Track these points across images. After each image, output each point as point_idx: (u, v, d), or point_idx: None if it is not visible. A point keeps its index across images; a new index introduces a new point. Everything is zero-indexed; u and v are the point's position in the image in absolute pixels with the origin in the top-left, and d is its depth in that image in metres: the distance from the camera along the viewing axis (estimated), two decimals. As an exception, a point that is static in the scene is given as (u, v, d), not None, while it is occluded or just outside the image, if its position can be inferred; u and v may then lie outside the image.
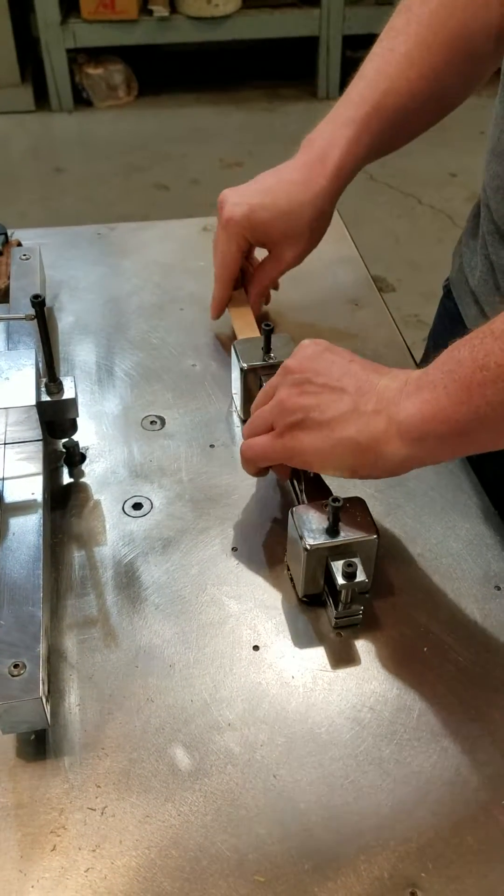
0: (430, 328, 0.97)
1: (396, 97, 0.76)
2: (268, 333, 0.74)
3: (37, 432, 0.68)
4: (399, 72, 0.76)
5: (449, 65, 0.76)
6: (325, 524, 0.60)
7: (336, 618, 0.61)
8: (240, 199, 0.78)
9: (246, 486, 0.72)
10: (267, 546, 0.68)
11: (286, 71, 3.69)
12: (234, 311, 0.85)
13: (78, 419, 0.71)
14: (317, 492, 0.64)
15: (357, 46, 3.37)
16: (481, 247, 0.78)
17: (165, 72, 3.67)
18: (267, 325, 0.74)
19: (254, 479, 0.73)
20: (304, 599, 0.63)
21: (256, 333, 0.80)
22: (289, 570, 0.65)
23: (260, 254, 0.86)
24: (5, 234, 0.91)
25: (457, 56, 0.76)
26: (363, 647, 0.61)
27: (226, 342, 0.87)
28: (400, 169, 2.90)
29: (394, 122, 0.78)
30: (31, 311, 0.64)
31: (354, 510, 0.61)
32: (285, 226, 0.78)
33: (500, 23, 0.75)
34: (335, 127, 0.77)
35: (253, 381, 0.75)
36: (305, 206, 0.77)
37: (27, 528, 0.62)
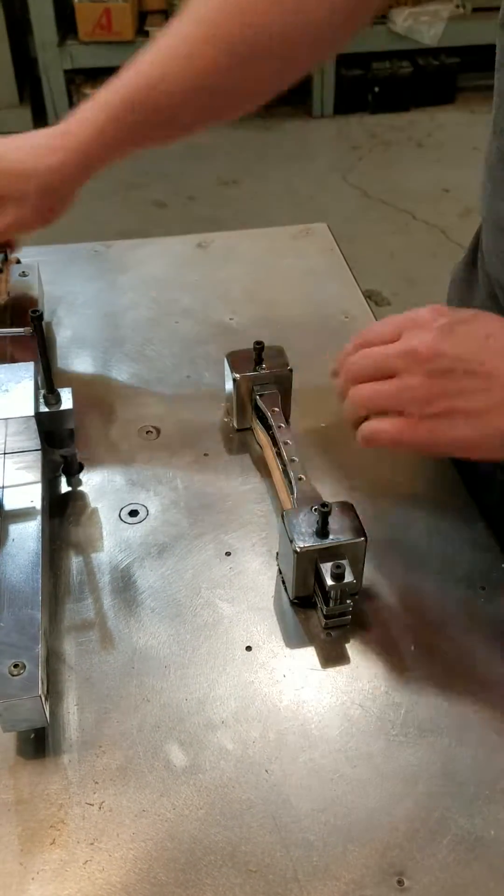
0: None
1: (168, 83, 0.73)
2: (258, 351, 0.76)
3: (35, 442, 0.70)
4: (174, 59, 0.73)
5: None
6: (315, 527, 0.62)
7: (326, 618, 0.63)
8: None
9: (239, 493, 0.75)
10: (259, 550, 0.70)
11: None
12: None
13: (75, 429, 0.73)
14: None
15: (351, 65, 3.42)
16: (479, 304, 0.77)
17: (162, 91, 3.71)
18: (257, 344, 0.76)
19: (247, 487, 0.75)
20: (295, 601, 0.65)
21: None
22: (280, 573, 0.67)
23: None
24: (4, 251, 0.93)
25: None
26: (352, 646, 0.63)
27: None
28: (394, 186, 2.94)
29: (157, 108, 0.75)
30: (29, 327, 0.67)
31: (343, 514, 0.63)
32: (5, 186, 0.75)
33: None
34: (93, 105, 0.75)
35: (245, 390, 0.77)
36: (32, 175, 0.75)
37: (26, 535, 0.64)
